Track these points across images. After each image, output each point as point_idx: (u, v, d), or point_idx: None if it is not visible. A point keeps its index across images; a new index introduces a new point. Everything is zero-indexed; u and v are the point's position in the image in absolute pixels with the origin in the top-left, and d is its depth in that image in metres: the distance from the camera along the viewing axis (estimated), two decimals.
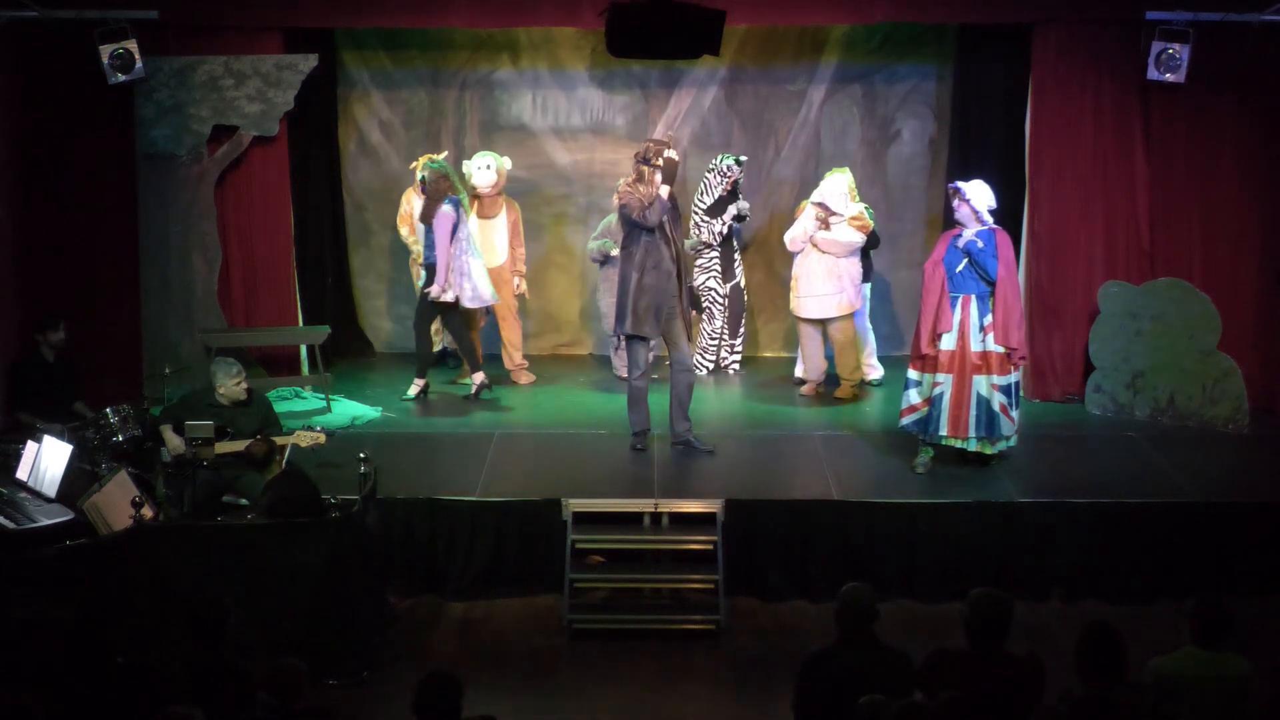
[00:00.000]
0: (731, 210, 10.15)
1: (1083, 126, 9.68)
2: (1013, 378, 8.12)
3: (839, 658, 5.06)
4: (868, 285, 10.03)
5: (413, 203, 10.20)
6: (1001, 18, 9.88)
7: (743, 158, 10.29)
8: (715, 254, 10.27)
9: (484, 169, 9.95)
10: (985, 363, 8.03)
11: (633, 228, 8.23)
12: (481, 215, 10.00)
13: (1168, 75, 9.36)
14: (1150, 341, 9.35)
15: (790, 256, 9.96)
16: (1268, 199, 9.63)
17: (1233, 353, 9.20)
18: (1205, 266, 9.68)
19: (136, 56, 9.36)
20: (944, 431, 8.10)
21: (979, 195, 8.02)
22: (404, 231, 10.37)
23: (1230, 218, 9.70)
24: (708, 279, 10.31)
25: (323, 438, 7.72)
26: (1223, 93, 9.56)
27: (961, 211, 8.06)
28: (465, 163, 10.15)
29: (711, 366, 10.51)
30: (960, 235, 8.06)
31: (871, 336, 10.21)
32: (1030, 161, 9.81)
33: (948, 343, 8.02)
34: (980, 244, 7.97)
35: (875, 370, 10.18)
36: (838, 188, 9.60)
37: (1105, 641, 4.83)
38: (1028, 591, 7.60)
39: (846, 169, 9.96)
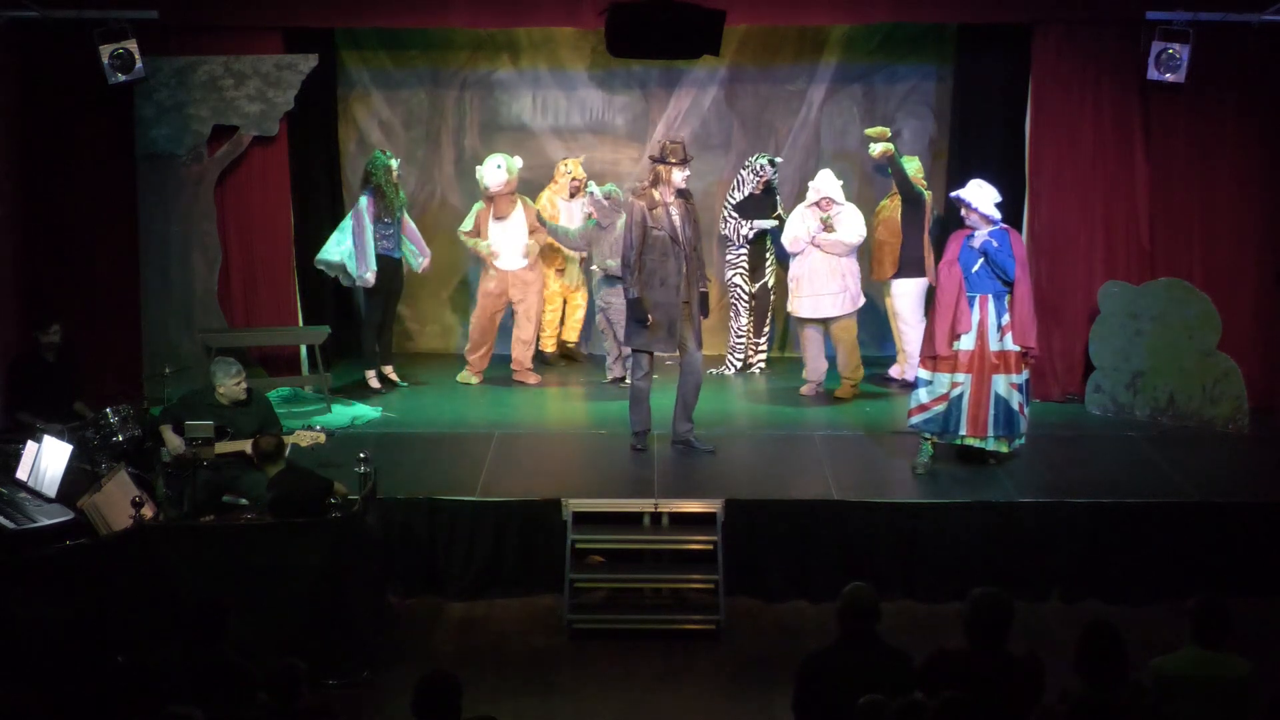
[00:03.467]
0: (757, 224, 10.15)
1: (1083, 126, 9.68)
2: (1025, 375, 8.15)
3: (839, 658, 5.07)
4: (917, 280, 9.83)
5: (557, 205, 10.37)
6: (1001, 18, 9.89)
7: (777, 159, 10.27)
8: (743, 251, 10.22)
9: (496, 168, 9.95)
10: (1003, 362, 8.03)
11: (641, 241, 8.16)
12: (496, 216, 10.01)
13: (1168, 75, 9.36)
14: (1150, 341, 9.35)
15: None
16: (1268, 199, 9.64)
17: (1233, 353, 9.20)
18: (1205, 266, 9.68)
19: (136, 56, 9.37)
20: (964, 431, 8.10)
21: (982, 197, 8.01)
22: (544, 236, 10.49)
23: (1230, 218, 9.70)
24: (734, 275, 10.31)
25: (323, 437, 7.73)
26: (1223, 93, 9.57)
27: (970, 218, 8.05)
28: (479, 167, 10.09)
29: (740, 365, 10.49)
30: (973, 235, 8.05)
31: (913, 334, 9.96)
32: (1030, 161, 9.82)
33: (966, 343, 8.01)
34: (995, 244, 7.97)
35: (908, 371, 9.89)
36: (834, 181, 9.62)
37: (1105, 641, 4.83)
38: (1028, 591, 7.59)
39: (915, 158, 10.09)
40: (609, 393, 10.13)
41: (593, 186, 9.93)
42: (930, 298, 8.96)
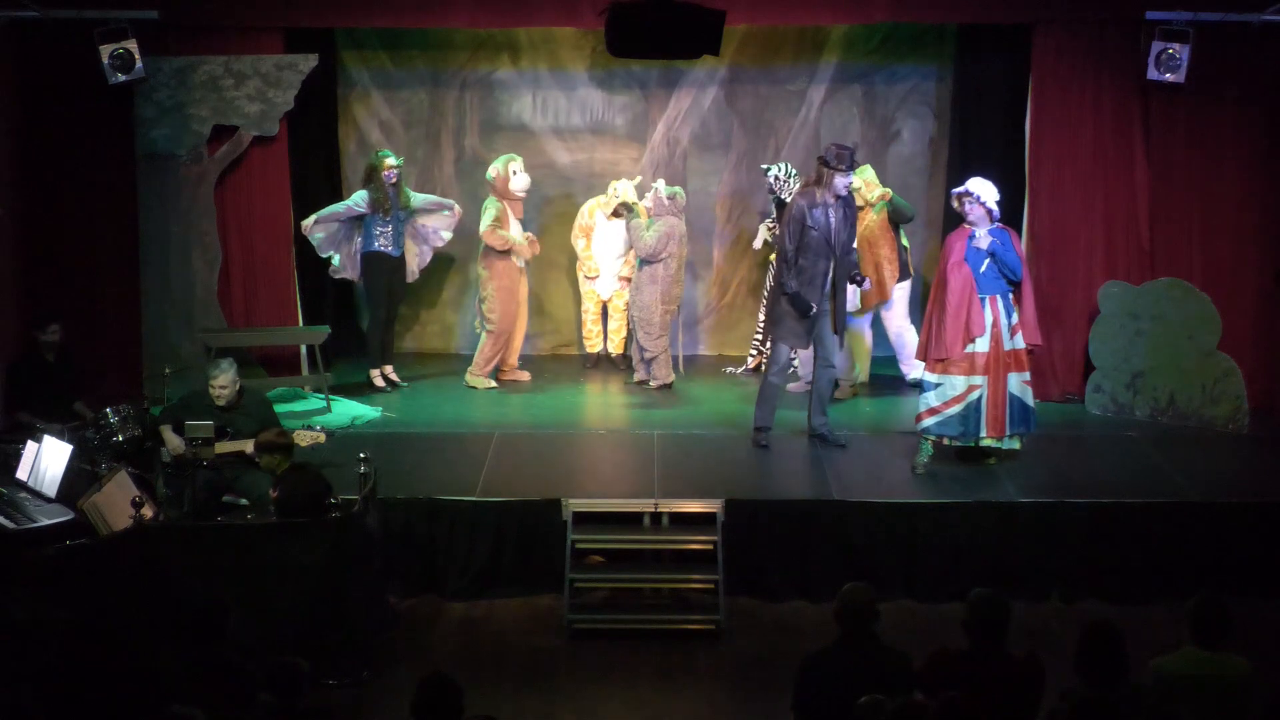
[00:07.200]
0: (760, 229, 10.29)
1: (1083, 126, 9.69)
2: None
3: (839, 658, 5.07)
4: (905, 283, 9.87)
5: (595, 216, 10.35)
6: (1001, 18, 9.89)
7: (766, 167, 10.12)
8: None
9: (520, 173, 9.94)
10: (1014, 360, 8.06)
11: (797, 235, 8.29)
12: (516, 217, 10.02)
13: (1168, 75, 9.36)
14: (1150, 341, 9.35)
15: None
16: (1268, 199, 9.64)
17: (1233, 353, 9.20)
18: (1205, 266, 9.69)
19: (136, 56, 9.37)
20: (984, 433, 8.09)
21: (988, 192, 8.02)
22: (580, 245, 10.46)
23: (1230, 218, 9.71)
24: (766, 277, 10.34)
25: (322, 437, 7.74)
26: (1223, 93, 9.56)
27: (976, 213, 8.03)
28: (495, 165, 9.97)
29: (751, 364, 10.49)
30: (974, 235, 8.04)
31: (910, 336, 9.95)
32: (1030, 161, 9.82)
33: (981, 345, 8.00)
34: (1000, 243, 7.97)
35: (915, 371, 9.78)
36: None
37: (1105, 641, 4.83)
38: (1028, 591, 7.60)
39: (867, 165, 9.99)
40: (608, 393, 10.13)
41: (659, 184, 9.92)
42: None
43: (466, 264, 11.02)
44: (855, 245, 8.80)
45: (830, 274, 8.41)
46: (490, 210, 9.90)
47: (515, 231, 9.97)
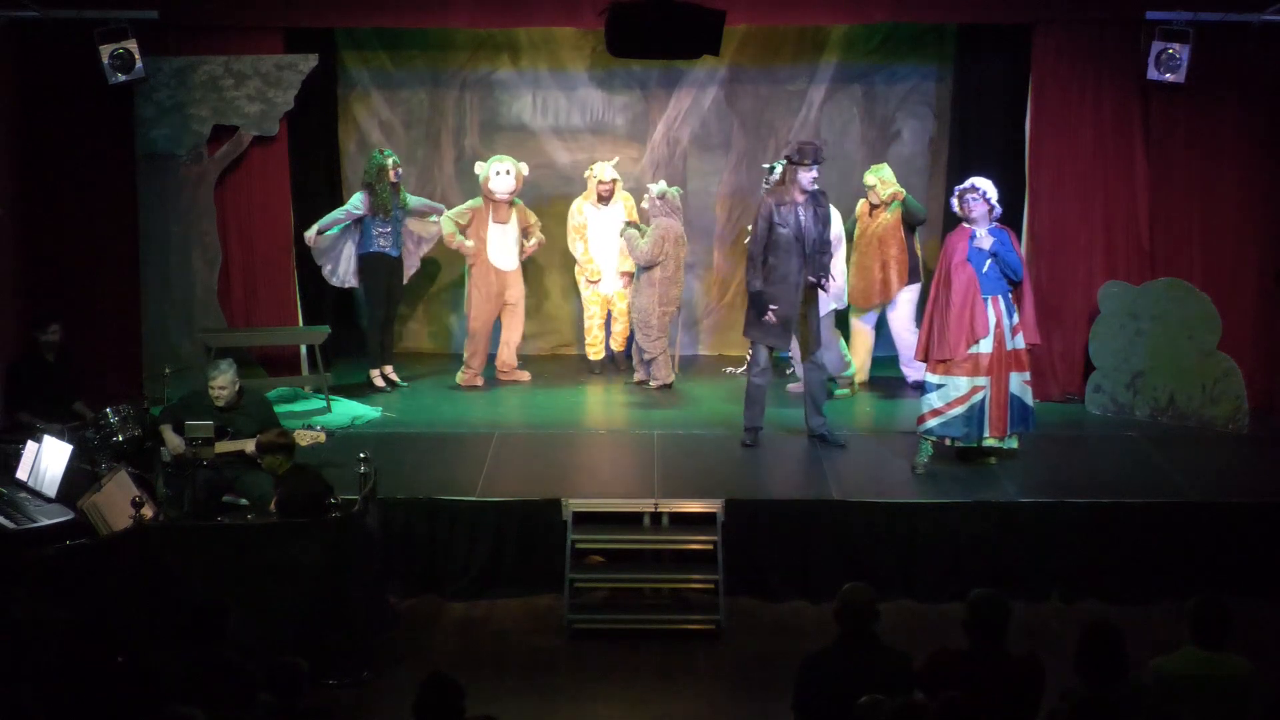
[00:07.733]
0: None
1: (1083, 126, 9.69)
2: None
3: (839, 658, 5.07)
4: (915, 287, 9.87)
5: (585, 213, 10.27)
6: (1001, 18, 9.90)
7: (772, 165, 10.10)
8: None
9: (503, 174, 9.92)
10: (1015, 360, 8.06)
11: (766, 236, 8.32)
12: (496, 220, 10.01)
13: (1168, 75, 9.36)
14: (1150, 341, 9.35)
15: None
16: (1268, 199, 9.64)
17: (1233, 353, 9.21)
18: (1205, 266, 9.69)
19: (136, 56, 9.37)
20: (987, 433, 8.09)
21: (992, 189, 8.03)
22: (579, 249, 10.34)
23: (1230, 218, 9.71)
24: None
25: (322, 437, 7.75)
26: (1223, 93, 9.57)
27: (979, 209, 8.02)
28: (480, 164, 10.07)
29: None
30: (975, 235, 8.03)
31: (913, 340, 9.96)
32: (1030, 161, 9.83)
33: (985, 345, 8.00)
34: (1000, 243, 7.97)
35: (916, 373, 9.76)
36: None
37: (1105, 641, 4.83)
38: (1028, 591, 7.61)
39: (884, 165, 9.99)
40: (608, 393, 10.12)
41: (653, 186, 9.91)
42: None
43: (464, 264, 11.02)
44: (831, 245, 8.78)
45: (804, 272, 8.39)
46: (466, 203, 10.04)
47: (494, 234, 9.98)
